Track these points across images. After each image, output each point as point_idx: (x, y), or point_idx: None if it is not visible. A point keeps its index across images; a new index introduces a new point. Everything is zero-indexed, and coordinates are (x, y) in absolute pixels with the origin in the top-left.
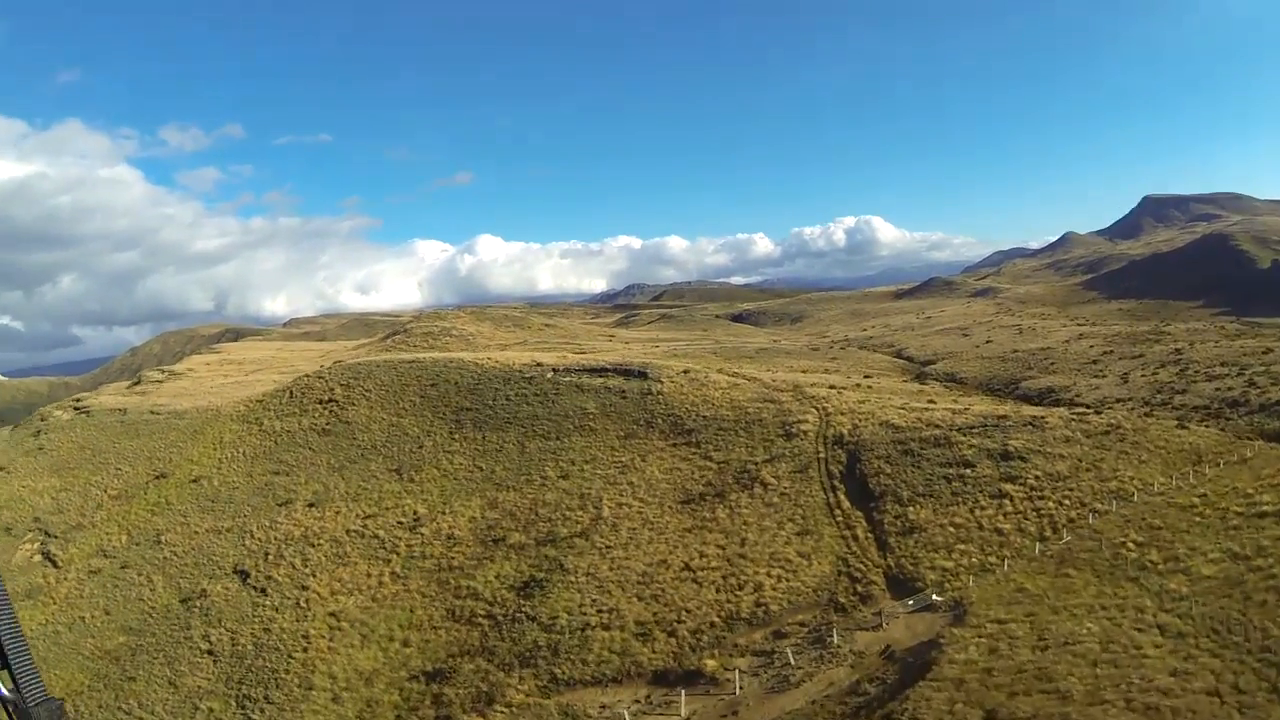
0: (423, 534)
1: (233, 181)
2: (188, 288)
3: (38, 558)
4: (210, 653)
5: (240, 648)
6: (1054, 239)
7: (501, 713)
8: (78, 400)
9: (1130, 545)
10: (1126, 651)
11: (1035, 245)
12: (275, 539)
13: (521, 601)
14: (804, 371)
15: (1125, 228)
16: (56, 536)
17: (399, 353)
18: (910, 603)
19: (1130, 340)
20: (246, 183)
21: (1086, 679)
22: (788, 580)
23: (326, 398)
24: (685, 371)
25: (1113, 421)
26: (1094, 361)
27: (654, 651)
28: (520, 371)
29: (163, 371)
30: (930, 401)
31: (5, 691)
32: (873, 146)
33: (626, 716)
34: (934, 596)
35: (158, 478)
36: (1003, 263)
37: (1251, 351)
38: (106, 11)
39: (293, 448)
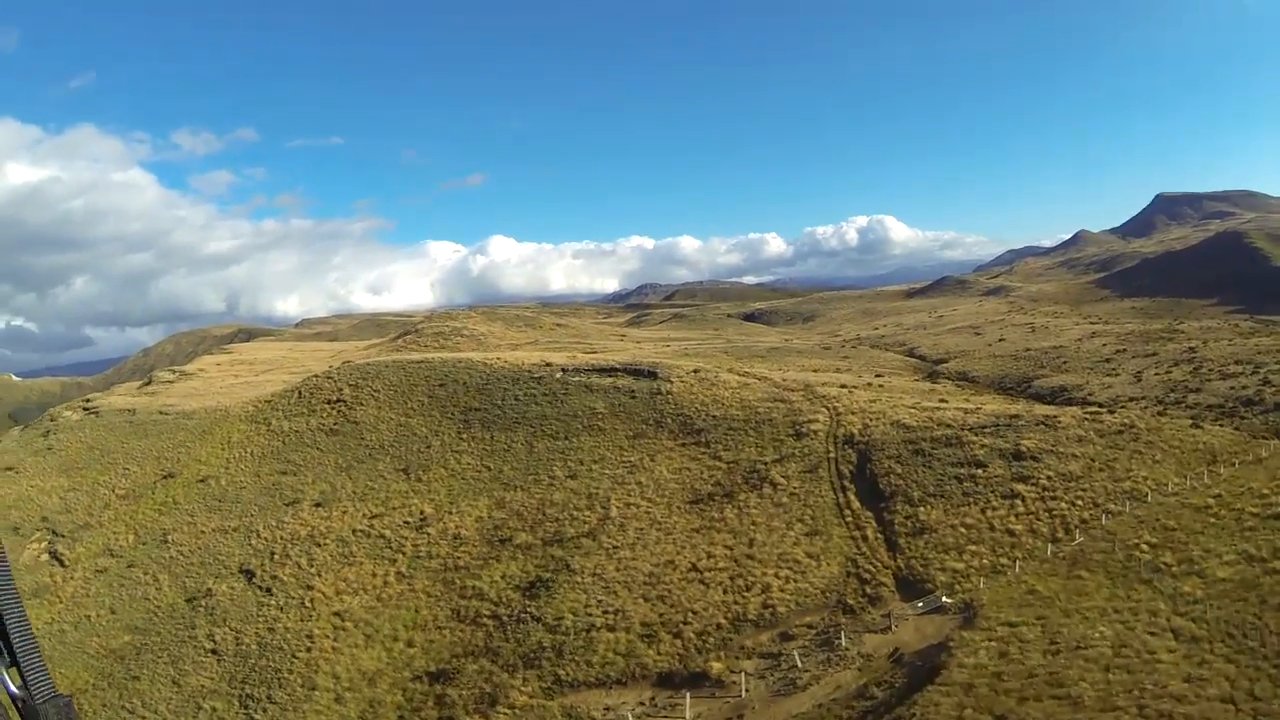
0: (429, 534)
1: (245, 184)
2: (200, 289)
3: (45, 557)
4: (214, 652)
5: (244, 647)
6: (1066, 237)
7: (504, 714)
8: (87, 400)
9: (1144, 547)
10: (1139, 656)
11: (1048, 244)
12: (281, 539)
13: (527, 602)
14: (815, 371)
15: (1138, 225)
16: (64, 536)
17: (409, 353)
18: (920, 604)
19: (1143, 338)
20: (259, 185)
21: (1098, 684)
22: (796, 581)
23: (335, 398)
24: (695, 371)
25: (1126, 421)
26: (1107, 360)
27: (659, 653)
28: (529, 371)
29: (173, 372)
30: (942, 401)
31: (14, 689)
32: (885, 146)
33: (630, 719)
34: (944, 598)
35: (165, 477)
36: (1015, 261)
37: (1266, 350)
38: (119, 17)
39: (300, 448)
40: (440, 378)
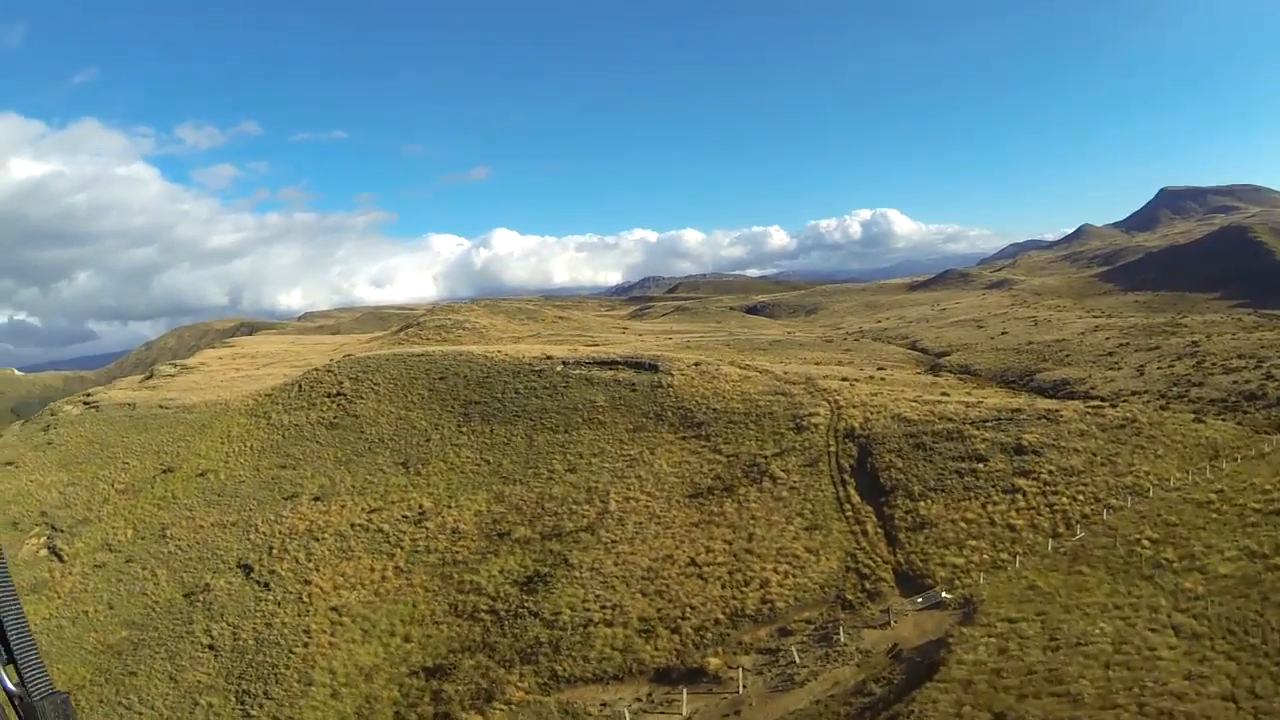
0: (428, 528)
1: (249, 178)
2: (203, 283)
3: (44, 552)
4: (211, 647)
5: (241, 643)
6: (1070, 231)
7: (501, 710)
8: (88, 395)
9: (1145, 542)
10: (1140, 653)
11: (1051, 237)
12: (280, 533)
13: (525, 597)
14: (817, 363)
15: (1142, 220)
16: (63, 531)
17: (410, 346)
18: (919, 600)
19: (1146, 332)
20: (262, 179)
21: (1098, 681)
22: (795, 576)
23: (335, 391)
24: (696, 364)
25: (1128, 415)
26: (1109, 354)
27: (657, 649)
28: (530, 364)
29: (175, 366)
30: (943, 394)
31: (11, 686)
32: (889, 139)
33: (627, 715)
34: (943, 594)
35: (164, 472)
36: (1018, 255)
37: (1269, 344)
38: (122, 12)
39: (300, 441)
40: (440, 371)
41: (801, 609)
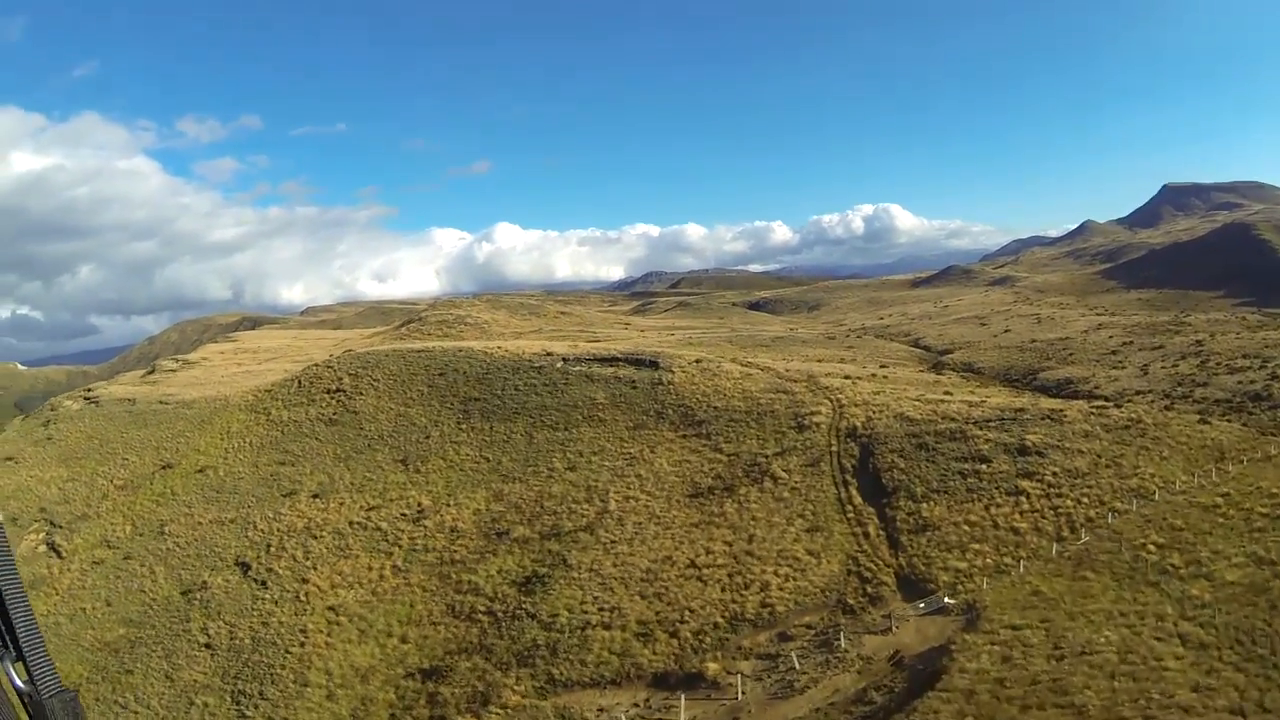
0: (426, 526)
1: (250, 171)
2: (205, 277)
3: (42, 548)
4: (208, 646)
5: (238, 641)
6: (1073, 227)
7: (497, 714)
8: (89, 390)
9: (1151, 547)
10: (1146, 663)
11: (1054, 234)
12: (278, 531)
13: (522, 598)
14: (819, 361)
15: (1145, 216)
16: (61, 527)
17: (411, 341)
18: (921, 605)
19: (1150, 331)
20: (263, 173)
21: (1103, 693)
22: (795, 580)
23: (335, 387)
24: (697, 361)
25: (1133, 415)
26: (1113, 352)
27: (655, 653)
28: (530, 361)
29: (176, 360)
30: (946, 393)
31: (20, 683)
32: (892, 134)
33: None
34: (946, 599)
35: (164, 468)
36: (1021, 251)
37: (1274, 343)
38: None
39: (299, 438)
40: (440, 367)
41: (802, 613)
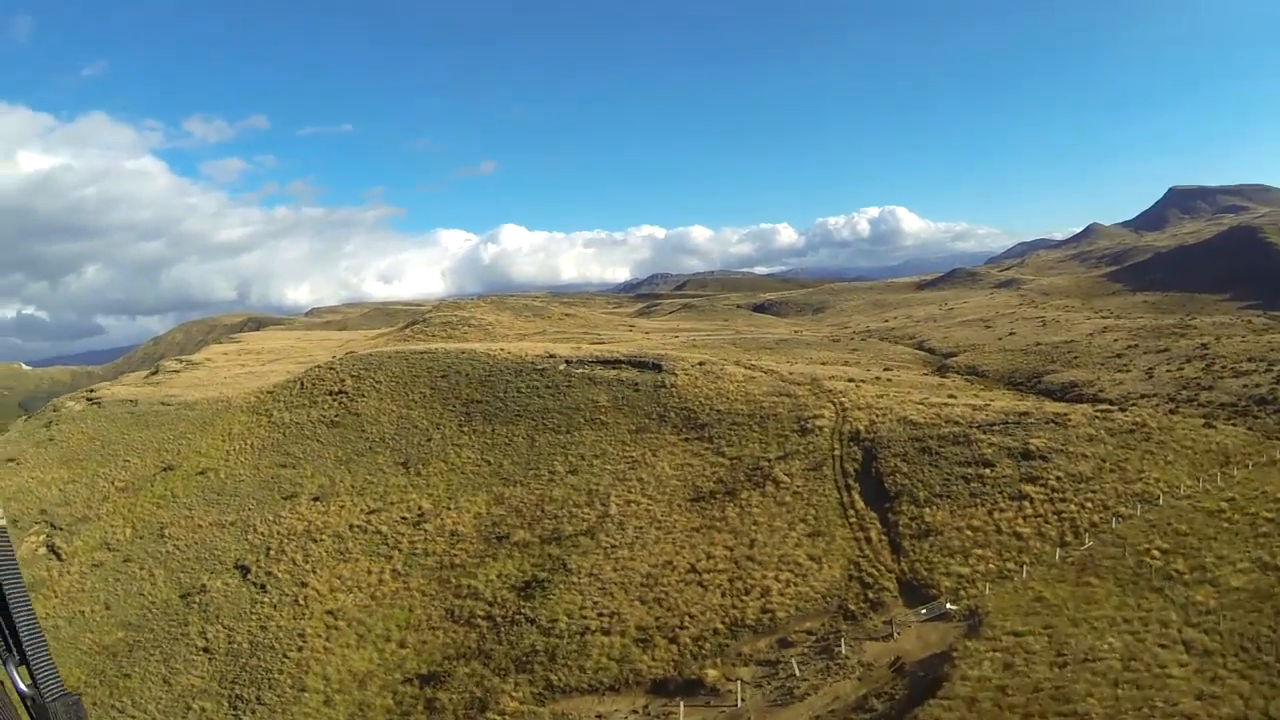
0: (426, 530)
1: (256, 171)
2: (211, 277)
3: (42, 550)
4: (206, 650)
5: (236, 646)
6: (1078, 230)
7: None
8: (91, 391)
9: (1155, 553)
10: (1150, 670)
11: (1060, 236)
12: (278, 534)
13: (522, 602)
14: (823, 364)
15: (1150, 219)
16: (62, 529)
17: (414, 343)
18: (923, 611)
19: (1155, 334)
20: (270, 173)
21: (1106, 701)
22: (796, 585)
23: (336, 389)
24: (700, 363)
25: (1138, 419)
26: (1118, 355)
27: (654, 659)
28: (533, 363)
29: (180, 361)
30: (950, 396)
31: (23, 687)
32: (898, 136)
33: None
34: (948, 605)
35: (165, 470)
36: (1027, 254)
37: (1279, 347)
38: (130, 5)
39: (301, 440)
40: (443, 369)
41: (803, 619)
